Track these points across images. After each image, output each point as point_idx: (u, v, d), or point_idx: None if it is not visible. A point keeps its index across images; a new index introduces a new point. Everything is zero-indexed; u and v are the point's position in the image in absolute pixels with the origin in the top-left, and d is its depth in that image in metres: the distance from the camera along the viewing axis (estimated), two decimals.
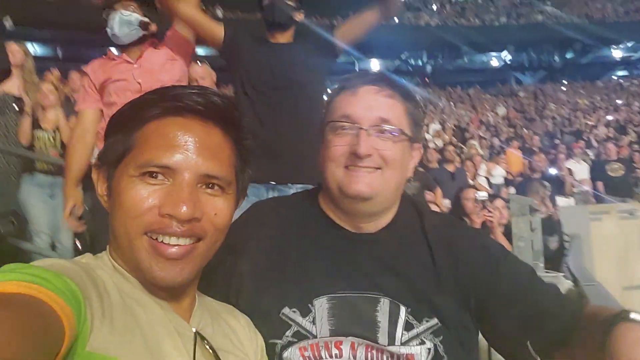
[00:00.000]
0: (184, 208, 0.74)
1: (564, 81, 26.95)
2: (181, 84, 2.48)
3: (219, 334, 0.89)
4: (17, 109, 4.21)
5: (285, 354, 1.02)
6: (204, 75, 3.73)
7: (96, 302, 0.68)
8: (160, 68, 2.56)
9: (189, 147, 0.77)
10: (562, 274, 3.19)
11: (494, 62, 35.59)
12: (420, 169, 7.29)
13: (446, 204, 6.02)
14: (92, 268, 0.75)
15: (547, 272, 3.31)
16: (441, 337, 1.02)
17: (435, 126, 14.82)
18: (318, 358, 1.02)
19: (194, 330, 0.81)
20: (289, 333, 1.03)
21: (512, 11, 32.85)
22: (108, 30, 2.50)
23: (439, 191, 6.37)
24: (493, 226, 4.17)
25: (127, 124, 0.80)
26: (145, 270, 0.77)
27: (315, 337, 1.02)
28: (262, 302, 1.06)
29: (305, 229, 1.16)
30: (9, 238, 4.12)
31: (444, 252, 1.09)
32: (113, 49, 2.70)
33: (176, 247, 0.76)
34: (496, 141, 12.27)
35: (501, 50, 34.10)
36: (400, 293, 1.04)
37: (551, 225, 6.98)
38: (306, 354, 1.02)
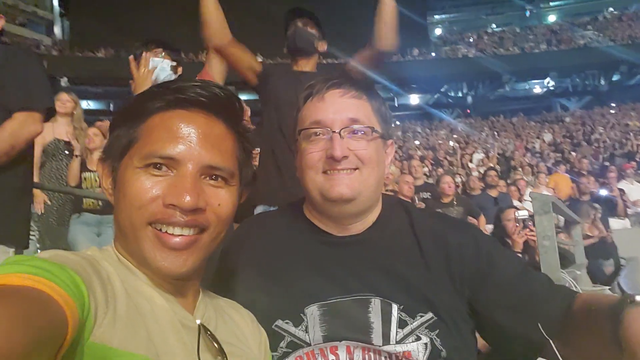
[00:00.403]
0: (187, 198, 0.75)
1: (612, 104, 26.10)
2: None
3: (222, 328, 0.90)
4: (67, 153, 4.56)
5: None
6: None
7: (100, 293, 0.67)
8: None
9: (192, 139, 0.79)
10: (608, 287, 3.10)
11: (537, 90, 35.06)
12: (463, 196, 7.24)
13: (490, 229, 5.94)
14: (96, 260, 0.75)
15: (594, 286, 3.22)
16: (437, 330, 1.02)
17: (478, 156, 14.66)
18: None
19: (198, 322, 0.82)
20: (282, 344, 1.03)
21: (552, 38, 32.49)
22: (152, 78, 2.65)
23: (482, 218, 6.28)
24: (535, 245, 4.07)
25: (132, 117, 0.82)
26: (149, 261, 0.78)
27: (309, 345, 1.02)
28: (261, 317, 1.05)
29: (291, 239, 1.17)
30: None
31: (434, 247, 1.10)
32: None
33: (180, 237, 0.77)
34: (542, 167, 11.98)
35: (544, 78, 33.61)
36: (391, 291, 1.04)
37: (605, 249, 6.72)
38: None
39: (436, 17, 43.34)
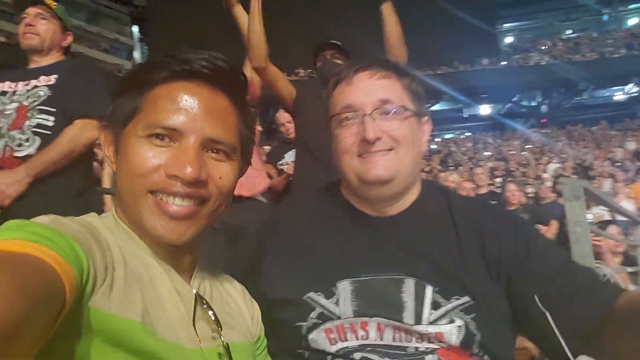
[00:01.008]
0: (189, 169, 0.75)
1: None
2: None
3: (218, 299, 0.91)
4: None
5: (311, 336, 1.03)
6: (291, 120, 4.12)
7: (98, 260, 0.67)
8: None
9: (196, 111, 0.79)
10: None
11: (619, 96, 33.04)
12: (531, 204, 7.06)
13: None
14: (95, 227, 0.74)
15: None
16: (473, 314, 0.99)
17: (553, 165, 14.11)
18: (344, 340, 1.01)
19: (194, 292, 0.83)
20: (313, 315, 1.03)
21: (632, 41, 30.58)
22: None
23: (554, 224, 6.12)
24: (602, 252, 3.98)
25: (136, 85, 0.81)
26: (149, 229, 0.78)
27: (339, 318, 1.02)
28: (287, 287, 1.07)
29: (327, 217, 1.18)
30: None
31: (470, 231, 1.08)
32: None
33: (180, 207, 0.77)
34: (622, 176, 11.34)
35: (625, 84, 31.64)
36: (425, 273, 1.03)
37: None
38: (332, 335, 1.02)
39: (506, 25, 42.12)
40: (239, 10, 2.71)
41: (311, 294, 1.05)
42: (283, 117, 4.05)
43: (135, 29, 35.42)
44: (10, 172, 2.01)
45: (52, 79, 2.22)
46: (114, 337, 0.65)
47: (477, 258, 1.05)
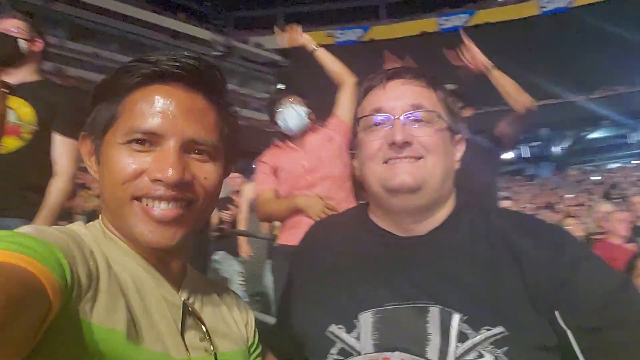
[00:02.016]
0: (171, 171, 0.74)
1: None
2: (340, 160, 2.80)
3: (208, 307, 0.89)
4: None
5: None
6: None
7: (82, 269, 0.66)
8: (319, 147, 2.83)
9: (174, 113, 0.77)
10: None
11: None
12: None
13: None
14: (79, 235, 0.73)
15: None
16: (506, 348, 0.87)
17: None
18: None
19: (182, 300, 0.82)
20: (334, 351, 0.97)
21: None
22: (279, 122, 2.86)
23: None
24: None
25: (112, 92, 0.80)
26: (137, 236, 0.77)
27: (359, 353, 0.95)
28: (311, 321, 1.03)
29: (352, 240, 1.12)
30: (254, 312, 4.93)
31: (508, 253, 0.96)
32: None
33: (166, 210, 0.76)
34: None
35: None
36: (453, 299, 0.93)
37: None
38: None
39: None
40: (322, 55, 2.84)
41: (332, 328, 0.99)
42: None
43: (281, 86, 38.53)
44: None
45: None
46: (97, 348, 0.64)
47: (514, 282, 0.93)
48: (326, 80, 2.98)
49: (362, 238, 1.11)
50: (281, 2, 39.12)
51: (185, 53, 0.82)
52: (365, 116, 1.07)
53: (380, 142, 1.02)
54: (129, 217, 0.77)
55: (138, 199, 0.76)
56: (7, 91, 2.07)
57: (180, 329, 0.78)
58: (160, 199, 0.76)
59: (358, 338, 0.96)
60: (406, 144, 0.99)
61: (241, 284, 5.40)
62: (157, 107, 0.77)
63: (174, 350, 0.75)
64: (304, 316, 1.06)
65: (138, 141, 0.77)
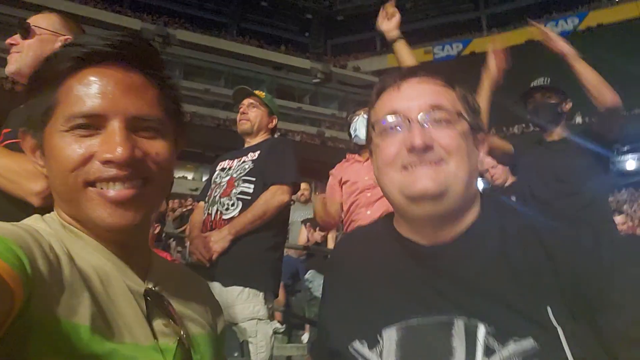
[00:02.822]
0: (120, 149, 0.72)
1: None
2: None
3: (176, 293, 0.87)
4: None
5: None
6: (495, 165, 3.94)
7: (42, 265, 0.64)
8: None
9: (112, 92, 0.75)
10: None
11: None
12: None
13: None
14: (36, 230, 0.71)
15: None
16: None
17: None
18: None
19: (145, 288, 0.80)
20: None
21: None
22: (351, 132, 2.92)
23: None
24: None
25: (45, 82, 0.77)
26: (97, 221, 0.75)
27: None
28: (334, 336, 1.00)
29: (377, 251, 1.06)
30: None
31: (541, 256, 0.89)
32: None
33: (121, 190, 0.74)
34: None
35: None
36: (479, 310, 0.87)
37: None
38: None
39: None
40: (401, 47, 2.47)
41: (356, 344, 0.94)
42: (487, 162, 3.97)
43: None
44: (217, 232, 2.46)
45: (256, 154, 2.65)
46: (61, 343, 0.62)
47: (547, 288, 0.85)
48: None
49: (386, 248, 1.05)
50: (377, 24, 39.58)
51: (115, 32, 0.79)
52: (380, 118, 0.99)
53: (397, 147, 0.94)
54: (85, 203, 0.74)
55: (91, 184, 0.74)
56: None
57: (146, 316, 0.76)
58: (114, 179, 0.74)
59: (380, 355, 0.92)
60: (426, 147, 0.91)
61: None
62: (95, 88, 0.75)
63: (142, 338, 0.73)
64: (330, 331, 1.04)
65: (81, 126, 0.74)
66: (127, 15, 30.83)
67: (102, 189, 0.74)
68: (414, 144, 0.91)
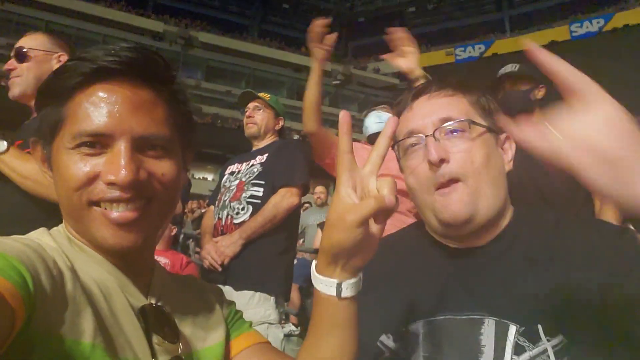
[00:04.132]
0: (124, 172, 0.71)
1: None
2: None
3: (178, 306, 0.85)
4: None
5: None
6: None
7: (45, 281, 0.64)
8: (392, 155, 2.75)
9: (120, 111, 0.74)
10: None
11: None
12: None
13: None
14: (41, 245, 0.71)
15: None
16: (566, 357, 0.83)
17: None
18: None
19: (143, 304, 0.78)
20: None
21: None
22: (363, 128, 2.89)
23: None
24: None
25: (55, 95, 0.77)
26: (100, 240, 0.74)
27: None
28: (366, 330, 1.01)
29: (408, 251, 1.09)
30: None
31: (567, 257, 0.90)
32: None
33: (125, 212, 0.73)
34: None
35: None
36: (510, 310, 0.88)
37: None
38: None
39: None
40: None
41: (383, 337, 0.98)
42: None
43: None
44: (228, 236, 2.46)
45: (264, 157, 2.65)
46: (63, 359, 0.62)
47: (577, 286, 0.86)
48: None
49: (419, 249, 1.08)
50: (398, 25, 39.43)
51: (124, 44, 0.77)
52: (399, 141, 1.04)
53: (422, 166, 0.99)
54: (89, 222, 0.74)
55: (96, 203, 0.73)
56: None
57: (146, 332, 0.75)
58: (117, 201, 0.73)
59: (406, 348, 0.95)
60: (443, 160, 0.95)
61: None
62: (102, 107, 0.73)
63: (140, 355, 0.72)
64: (360, 326, 1.09)
65: (87, 144, 0.73)
66: (150, 18, 31.28)
67: (105, 209, 0.73)
68: (430, 159, 0.95)
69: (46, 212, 1.66)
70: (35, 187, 1.66)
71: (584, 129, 0.56)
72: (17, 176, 1.67)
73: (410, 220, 2.63)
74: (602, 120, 0.55)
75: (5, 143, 1.67)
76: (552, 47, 30.35)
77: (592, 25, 32.14)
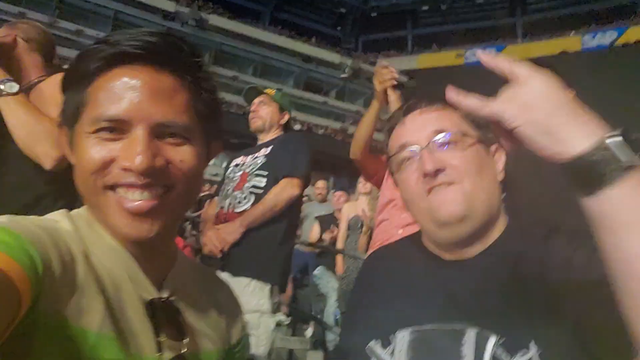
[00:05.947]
0: (139, 158, 0.70)
1: None
2: None
3: (191, 303, 0.84)
4: (360, 227, 5.11)
5: None
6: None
7: (56, 266, 0.63)
8: None
9: (139, 97, 0.72)
10: None
11: None
12: None
13: None
14: (57, 230, 0.70)
15: None
16: None
17: None
18: None
19: (151, 297, 0.77)
20: None
21: None
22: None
23: None
24: None
25: (77, 80, 0.76)
26: (114, 227, 0.73)
27: None
28: (356, 338, 1.05)
29: (402, 262, 1.13)
30: None
31: (552, 274, 0.90)
32: None
33: (141, 201, 0.72)
34: None
35: None
36: (491, 321, 0.90)
37: None
38: None
39: None
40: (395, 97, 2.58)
41: (372, 343, 1.01)
42: None
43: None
44: (229, 224, 2.52)
45: (269, 149, 2.72)
46: (66, 345, 0.62)
47: (563, 299, 0.87)
48: None
49: (411, 260, 1.12)
50: (410, 23, 39.26)
51: (146, 29, 0.76)
52: (393, 155, 1.07)
53: (415, 175, 1.01)
54: (104, 208, 0.73)
55: (112, 188, 0.72)
56: None
57: (154, 327, 0.74)
58: (132, 187, 0.71)
59: (392, 354, 0.98)
60: (438, 171, 0.98)
61: (336, 301, 5.48)
62: (121, 92, 0.72)
63: (146, 350, 0.72)
64: (351, 333, 1.10)
65: (106, 129, 0.72)
66: None
67: (121, 195, 0.72)
68: (425, 170, 0.97)
69: (53, 184, 1.71)
70: (27, 139, 1.69)
71: (520, 96, 0.67)
72: (16, 122, 1.70)
73: (400, 234, 2.64)
74: (537, 90, 0.66)
75: (17, 86, 1.71)
76: (563, 57, 30.24)
77: (605, 38, 31.99)
